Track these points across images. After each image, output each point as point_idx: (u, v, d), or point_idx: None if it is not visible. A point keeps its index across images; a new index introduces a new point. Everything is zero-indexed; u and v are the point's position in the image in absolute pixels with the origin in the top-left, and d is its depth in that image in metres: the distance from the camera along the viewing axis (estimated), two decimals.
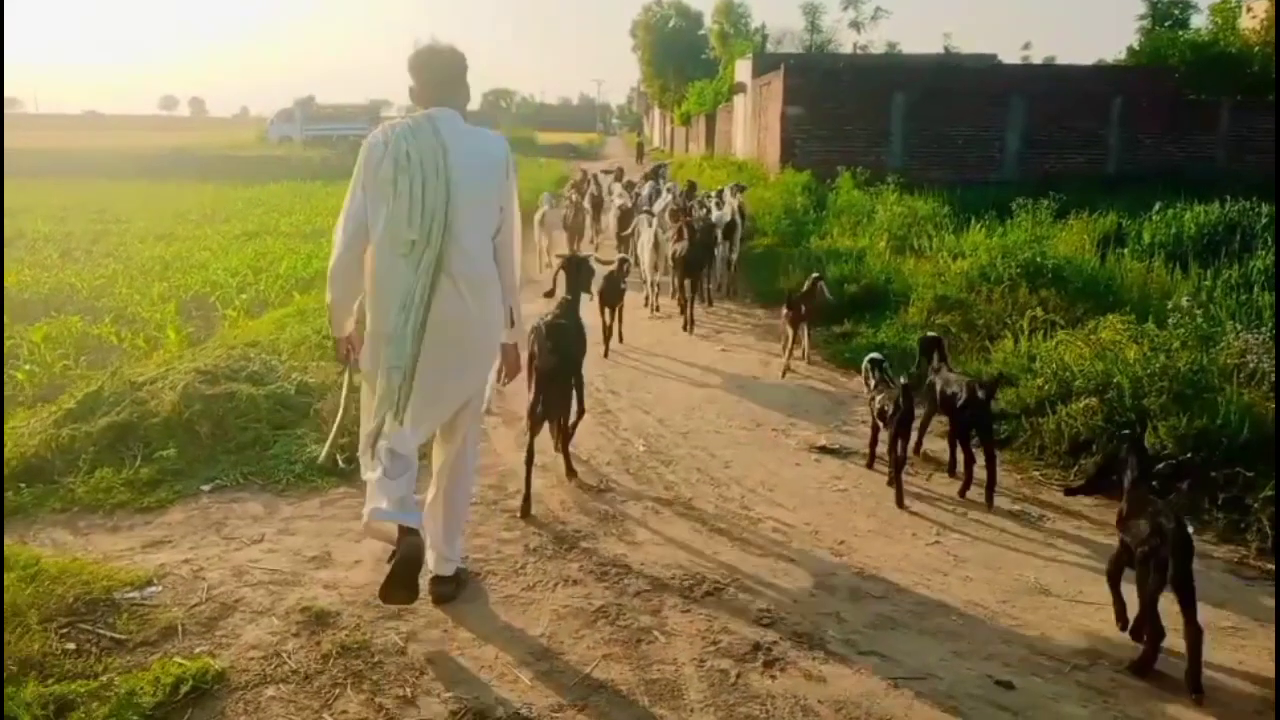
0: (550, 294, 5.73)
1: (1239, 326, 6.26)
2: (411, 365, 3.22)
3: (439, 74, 3.36)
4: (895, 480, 4.87)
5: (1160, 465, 4.88)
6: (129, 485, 4.73)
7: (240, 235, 16.20)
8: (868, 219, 13.36)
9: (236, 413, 5.36)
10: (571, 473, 5.04)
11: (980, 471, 4.88)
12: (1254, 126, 20.82)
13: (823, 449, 5.61)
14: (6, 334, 7.79)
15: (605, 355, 7.72)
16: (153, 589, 3.69)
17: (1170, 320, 6.47)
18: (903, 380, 4.98)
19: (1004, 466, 5.37)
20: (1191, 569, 3.18)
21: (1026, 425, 5.62)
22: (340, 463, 4.93)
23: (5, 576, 3.52)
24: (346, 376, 3.77)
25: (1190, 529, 3.24)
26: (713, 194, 12.86)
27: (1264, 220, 11.17)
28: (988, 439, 4.92)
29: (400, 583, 3.22)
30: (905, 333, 7.74)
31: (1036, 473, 5.27)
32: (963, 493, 4.93)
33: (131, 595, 3.62)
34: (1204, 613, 3.58)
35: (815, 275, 7.73)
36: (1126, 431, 3.94)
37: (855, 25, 51.10)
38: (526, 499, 4.55)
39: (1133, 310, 7.06)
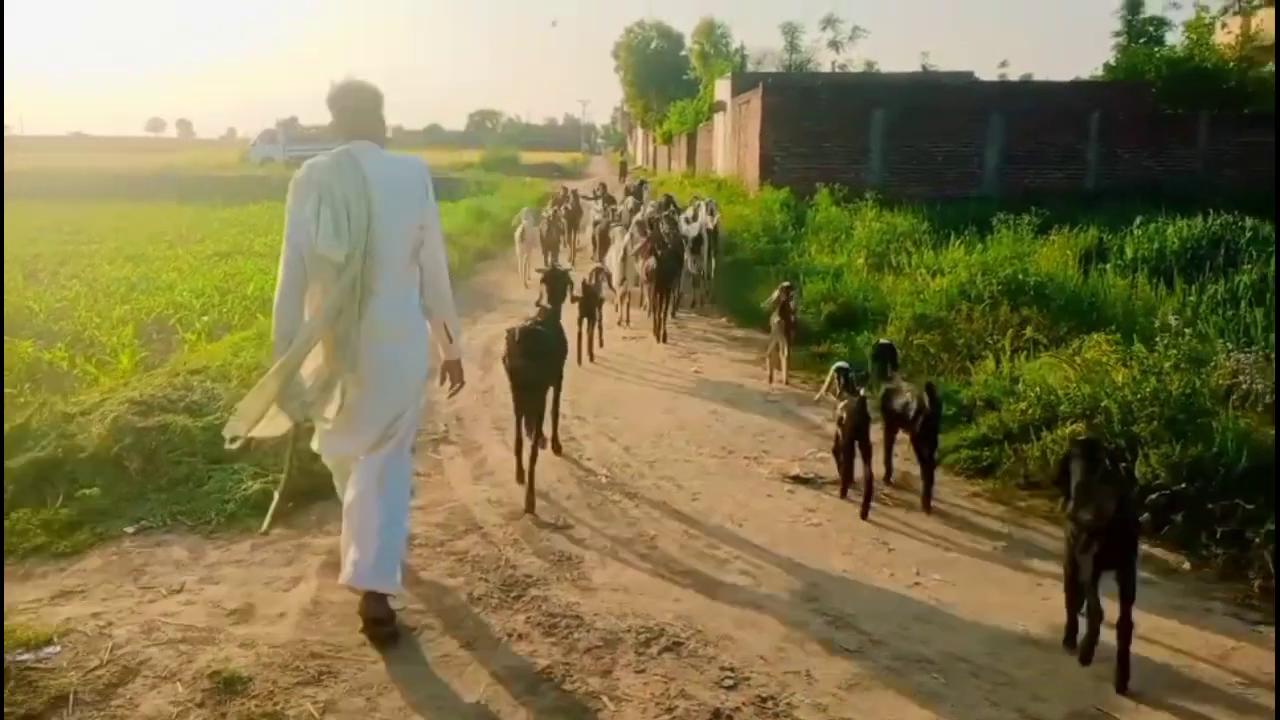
0: (540, 304, 5.82)
1: (1229, 346, 6.01)
2: (344, 377, 3.44)
3: (356, 109, 3.55)
4: (846, 486, 4.99)
5: (1154, 496, 4.67)
6: (46, 527, 4.35)
7: (212, 255, 15.89)
8: (846, 236, 13.14)
9: (169, 446, 5.00)
10: (531, 496, 4.80)
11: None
12: (1231, 140, 20.78)
13: (796, 479, 5.30)
14: None
15: (579, 363, 7.63)
16: (51, 649, 3.32)
17: (1158, 340, 6.21)
18: (862, 391, 5.05)
19: (986, 496, 5.10)
20: (1134, 554, 3.23)
21: (1010, 452, 5.33)
22: (276, 503, 4.59)
23: None
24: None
25: (1135, 515, 3.33)
26: (687, 210, 12.88)
27: (1248, 235, 10.98)
28: (931, 446, 4.90)
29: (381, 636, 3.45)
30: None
31: (1021, 503, 4.97)
32: (925, 505, 4.90)
33: (25, 658, 3.25)
34: (1209, 667, 3.31)
35: (785, 284, 7.67)
36: (1082, 437, 3.98)
37: (834, 45, 51.23)
38: (520, 471, 4.97)
39: (1118, 328, 6.81)
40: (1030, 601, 3.87)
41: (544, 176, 45.08)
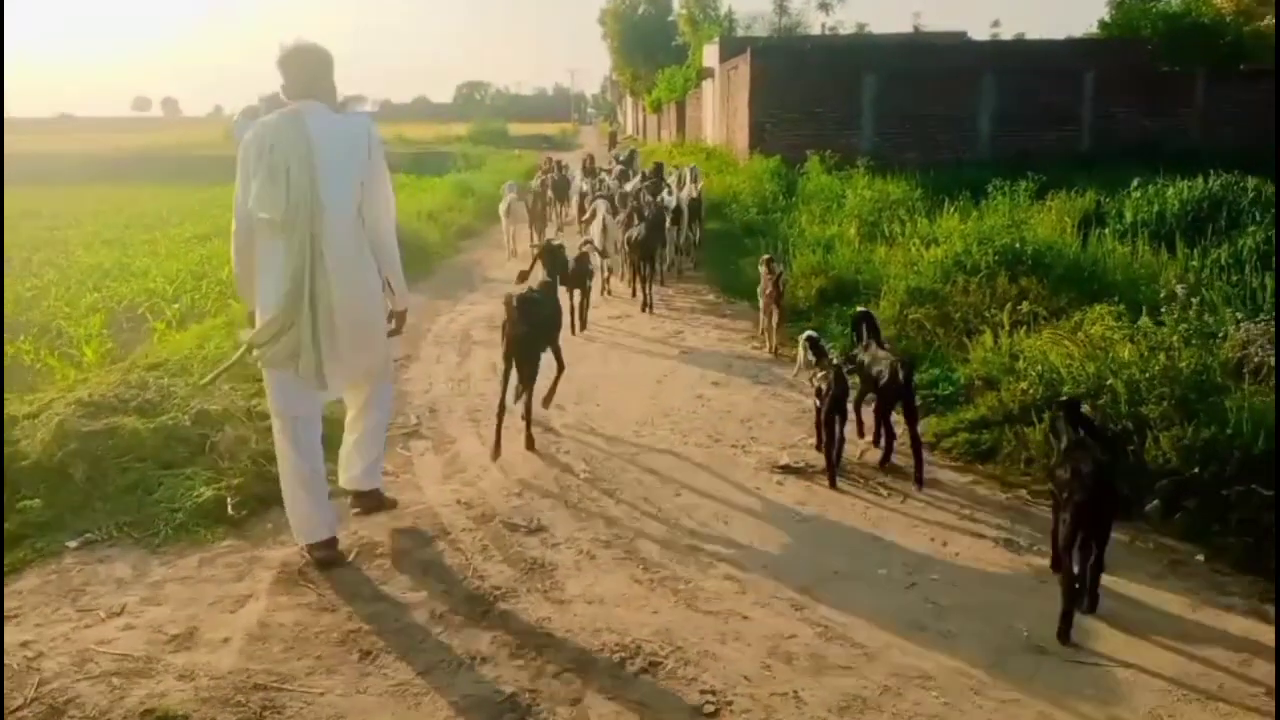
0: (524, 276, 5.89)
1: (1239, 315, 5.71)
2: (311, 332, 3.65)
3: (305, 71, 3.73)
4: (828, 460, 4.85)
5: (1164, 481, 4.40)
6: None
7: (191, 238, 15.52)
8: (838, 205, 12.77)
9: (117, 451, 4.69)
10: (531, 441, 5.30)
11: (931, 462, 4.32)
12: (1229, 98, 20.36)
13: (785, 468, 5.01)
14: None
15: (573, 333, 7.72)
16: None
17: (1164, 311, 5.92)
18: (834, 360, 5.02)
19: (988, 482, 4.81)
20: (1109, 521, 3.41)
21: (1010, 434, 5.04)
22: (230, 509, 4.31)
23: None
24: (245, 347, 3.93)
25: (1111, 478, 3.40)
26: (670, 177, 13.06)
27: (1250, 195, 10.64)
28: (912, 417, 4.87)
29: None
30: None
31: (1024, 490, 4.69)
32: (882, 464, 4.96)
33: None
34: (1228, 677, 3.05)
35: (766, 257, 7.61)
36: (1064, 399, 3.95)
37: (824, 7, 50.60)
38: (497, 445, 5.10)
39: (1120, 298, 6.51)
40: (1036, 602, 3.59)
41: (533, 148, 44.42)
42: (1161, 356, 4.86)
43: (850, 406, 5.08)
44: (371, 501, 4.36)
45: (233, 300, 9.58)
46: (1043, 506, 4.45)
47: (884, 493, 4.69)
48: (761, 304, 7.51)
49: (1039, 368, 5.30)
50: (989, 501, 4.58)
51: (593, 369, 6.98)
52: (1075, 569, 3.39)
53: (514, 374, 5.24)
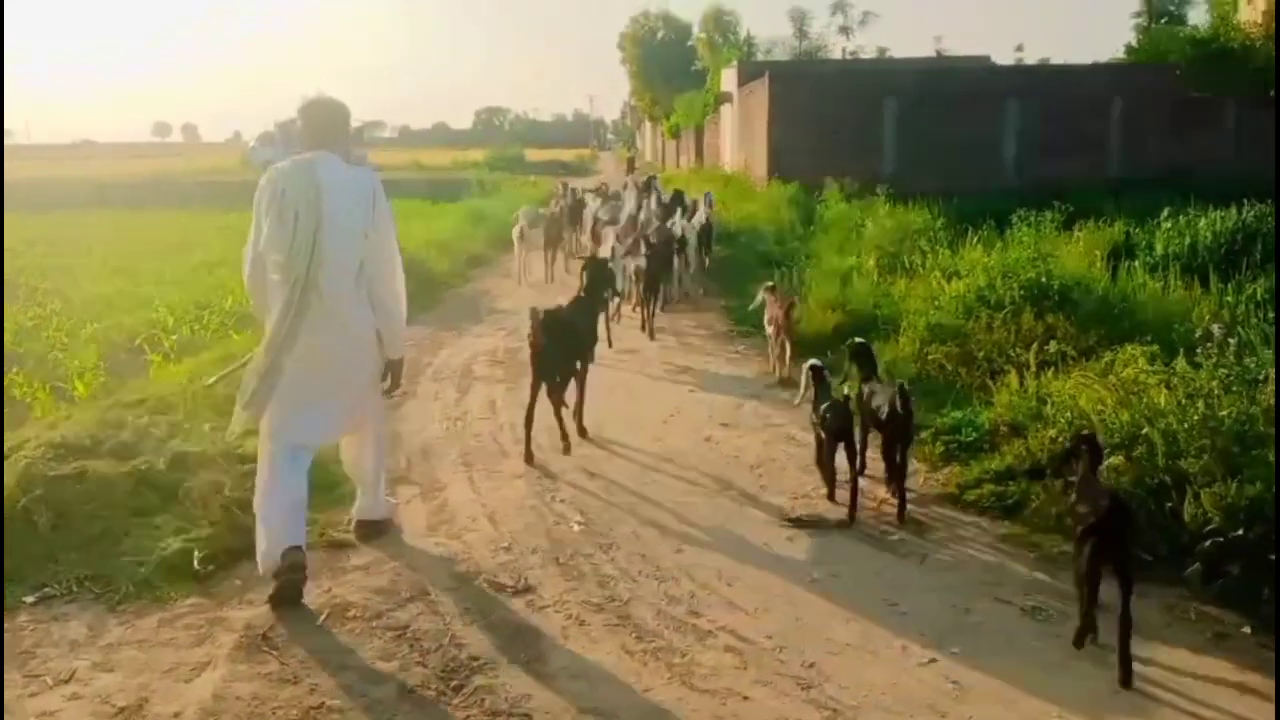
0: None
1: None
2: (281, 357, 3.76)
3: (321, 122, 4.03)
4: (831, 488, 4.87)
5: (1206, 543, 4.04)
6: None
7: (200, 265, 15.38)
8: (857, 234, 12.48)
9: (85, 497, 4.43)
10: (580, 434, 5.88)
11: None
12: (1261, 124, 19.89)
13: (796, 521, 4.68)
14: None
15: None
16: None
17: (1200, 353, 5.56)
18: (846, 392, 4.99)
19: (1012, 541, 4.46)
20: (1130, 549, 3.35)
21: (1040, 487, 4.70)
22: (196, 564, 4.04)
23: None
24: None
25: (1131, 512, 3.42)
26: (686, 200, 13.35)
27: None
28: (905, 449, 4.80)
29: (284, 599, 3.74)
30: (896, 366, 6.81)
31: (1055, 549, 4.33)
32: (900, 518, 4.66)
33: None
34: None
35: (769, 285, 7.63)
36: (1085, 432, 3.96)
37: (844, 30, 50.48)
38: (528, 451, 5.47)
39: (1153, 338, 6.15)
40: (1067, 683, 3.25)
41: (550, 175, 44.42)
42: (1200, 404, 4.50)
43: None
44: (370, 530, 4.44)
45: (233, 332, 9.41)
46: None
47: (902, 552, 4.36)
48: (770, 332, 7.37)
49: (1069, 414, 4.96)
50: (1018, 561, 4.23)
51: (596, 407, 6.67)
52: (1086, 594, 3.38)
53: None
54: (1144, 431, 4.54)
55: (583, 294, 6.19)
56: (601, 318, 7.42)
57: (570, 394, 5.82)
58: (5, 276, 13.84)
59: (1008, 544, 4.42)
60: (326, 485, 4.97)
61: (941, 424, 5.74)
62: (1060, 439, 4.85)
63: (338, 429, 4.18)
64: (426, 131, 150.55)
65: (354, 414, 4.14)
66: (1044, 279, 7.27)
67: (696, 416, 6.48)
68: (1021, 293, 7.14)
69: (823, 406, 4.89)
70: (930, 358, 6.74)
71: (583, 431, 5.92)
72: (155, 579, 3.95)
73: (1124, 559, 3.30)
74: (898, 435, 4.74)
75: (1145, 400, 4.85)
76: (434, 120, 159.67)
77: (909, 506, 4.71)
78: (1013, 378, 5.85)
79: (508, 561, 4.22)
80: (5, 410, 6.80)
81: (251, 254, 3.90)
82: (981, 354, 6.58)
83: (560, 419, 5.63)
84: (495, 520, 4.68)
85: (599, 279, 6.43)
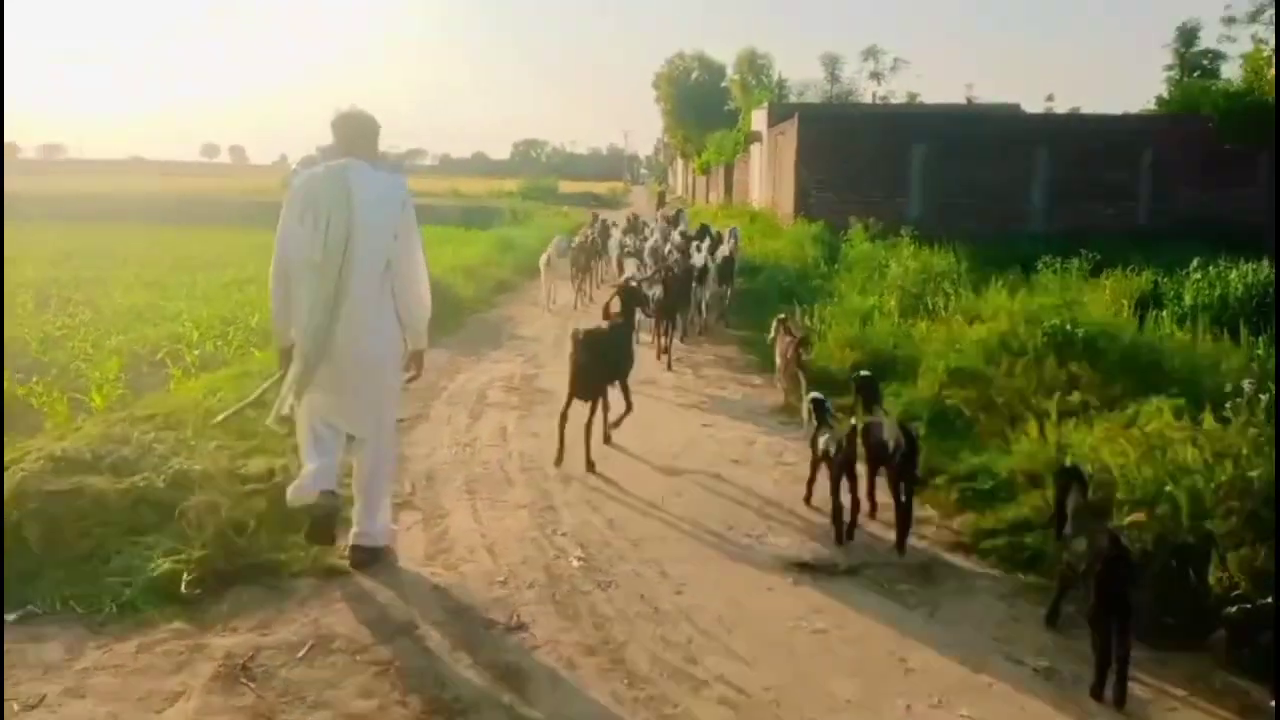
0: (607, 313, 6.60)
1: None
2: (316, 356, 4.01)
3: (352, 133, 4.21)
4: (836, 522, 4.79)
5: (1232, 610, 3.85)
6: None
7: (231, 282, 15.59)
8: (880, 274, 12.34)
9: (78, 514, 4.35)
10: (604, 439, 6.22)
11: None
12: None
13: (803, 566, 4.53)
14: None
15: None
16: None
17: (1228, 408, 5.37)
18: (853, 422, 4.97)
19: (1030, 595, 4.27)
20: (1127, 590, 3.36)
21: (1055, 543, 4.51)
22: (183, 586, 3.94)
23: None
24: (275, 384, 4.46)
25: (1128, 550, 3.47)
26: (712, 232, 13.69)
27: None
28: (909, 483, 4.72)
29: (316, 536, 4.10)
30: (913, 407, 6.65)
31: (1071, 606, 4.15)
32: (899, 548, 4.68)
33: None
34: None
35: (780, 317, 7.78)
36: (1070, 465, 4.13)
37: (875, 76, 50.64)
38: (560, 453, 5.88)
39: (1180, 391, 5.97)
40: None
41: (581, 205, 44.68)
42: (1229, 464, 4.32)
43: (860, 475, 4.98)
44: (364, 557, 4.32)
45: (255, 349, 9.42)
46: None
47: (911, 602, 4.19)
48: (780, 365, 7.49)
49: (1090, 467, 4.78)
50: (1030, 619, 4.05)
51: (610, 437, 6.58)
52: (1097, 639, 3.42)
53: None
54: (1168, 489, 4.36)
55: (619, 317, 6.55)
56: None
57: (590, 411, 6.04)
58: (39, 287, 14.06)
59: (1023, 599, 4.24)
60: None
61: (958, 470, 5.58)
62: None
63: (360, 421, 4.27)
64: (466, 161, 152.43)
65: (374, 412, 4.27)
66: (1069, 326, 7.10)
67: (708, 452, 6.35)
68: (1045, 339, 6.97)
69: (823, 439, 4.94)
70: (949, 401, 6.57)
71: (607, 438, 6.28)
72: (140, 601, 3.86)
73: (1122, 600, 3.36)
74: (901, 470, 4.70)
75: (1170, 456, 4.68)
76: (473, 150, 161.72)
77: (920, 548, 4.55)
78: (1033, 426, 5.69)
79: (503, 596, 4.09)
80: (21, 420, 6.79)
81: (279, 254, 4.09)
82: (1002, 400, 6.40)
83: (588, 435, 5.87)
84: (494, 552, 4.57)
85: (634, 303, 6.83)
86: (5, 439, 5.46)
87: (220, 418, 5.29)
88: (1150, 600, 4.01)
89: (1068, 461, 4.36)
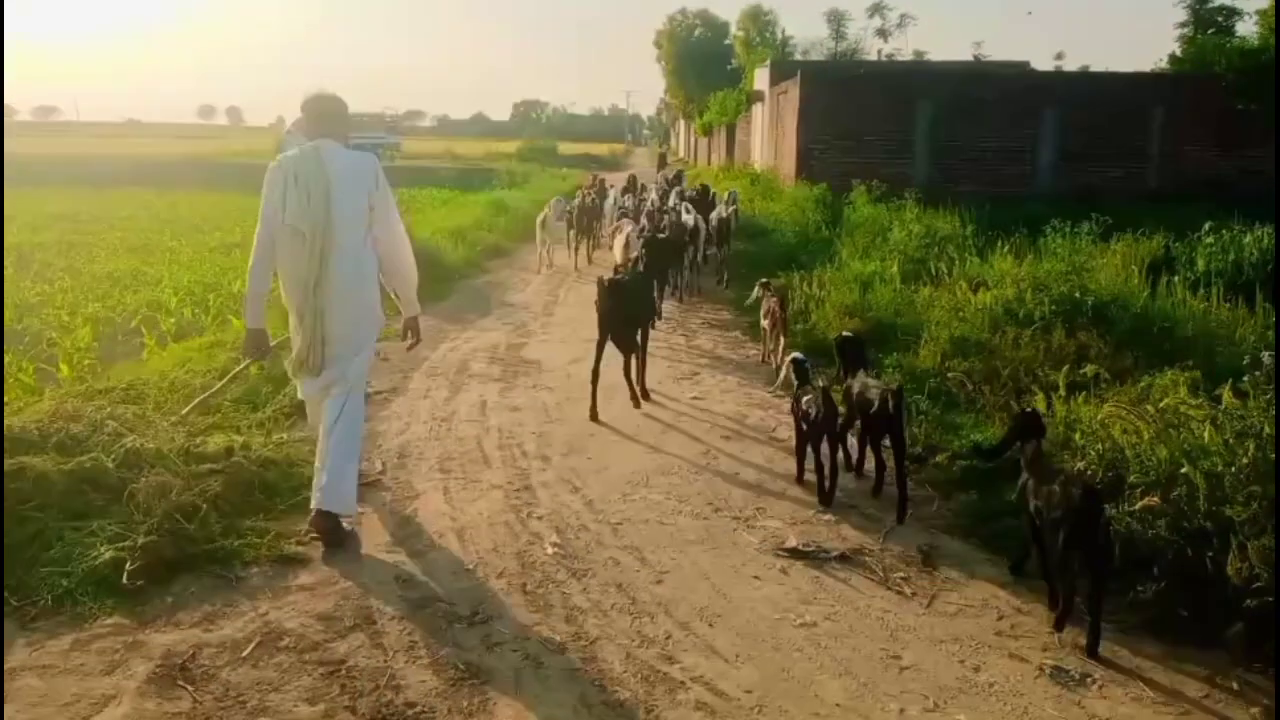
0: (620, 268, 7.03)
1: None
2: (315, 328, 4.21)
3: (323, 114, 4.45)
4: (819, 480, 4.83)
5: (1251, 602, 3.57)
6: None
7: (218, 247, 15.31)
8: (883, 238, 11.97)
9: (19, 497, 4.08)
10: (643, 396, 6.50)
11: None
12: None
13: (793, 551, 4.26)
14: None
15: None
16: None
17: (1246, 381, 5.06)
18: (821, 384, 4.93)
19: (1033, 585, 3.99)
20: (1106, 536, 3.47)
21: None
22: (126, 576, 3.67)
23: None
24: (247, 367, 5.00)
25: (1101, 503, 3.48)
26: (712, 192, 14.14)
27: None
28: (900, 448, 4.73)
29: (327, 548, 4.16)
30: (916, 380, 6.34)
31: (1079, 599, 3.87)
32: (875, 492, 4.87)
33: None
34: None
35: (763, 281, 7.78)
36: (1029, 410, 4.26)
37: (881, 33, 49.68)
38: (594, 408, 6.12)
39: (1195, 363, 5.65)
40: None
41: (581, 167, 44.10)
42: (1250, 445, 4.02)
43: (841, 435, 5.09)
44: (327, 525, 4.16)
45: (232, 317, 9.12)
46: (1105, 625, 3.66)
47: (908, 591, 3.92)
48: (766, 324, 7.52)
49: (1100, 446, 4.50)
50: (1036, 611, 3.77)
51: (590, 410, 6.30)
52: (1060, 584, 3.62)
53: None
54: (1184, 470, 4.07)
55: (640, 269, 6.90)
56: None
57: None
58: (22, 252, 13.75)
59: (1027, 589, 3.96)
60: (287, 490, 4.63)
61: (961, 445, 5.30)
62: (1091, 472, 4.40)
63: (333, 370, 4.33)
64: (465, 122, 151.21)
65: (345, 364, 4.34)
66: (1078, 294, 6.78)
67: (697, 426, 6.06)
68: (1053, 308, 6.66)
69: (804, 399, 4.90)
70: (951, 373, 6.26)
71: (646, 393, 6.53)
72: (79, 592, 3.60)
73: (1098, 548, 3.42)
74: (882, 432, 4.77)
75: (1186, 435, 4.38)
76: (473, 111, 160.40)
77: (917, 530, 4.27)
78: (1040, 400, 5.39)
79: (469, 587, 3.82)
80: None
81: (261, 234, 4.22)
82: (1007, 371, 6.11)
83: (630, 378, 6.30)
84: (464, 537, 4.30)
85: (658, 256, 7.27)
86: None
87: (185, 411, 5.40)
88: (1164, 592, 3.76)
89: (1027, 407, 4.50)
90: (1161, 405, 4.68)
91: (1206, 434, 4.24)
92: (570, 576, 3.95)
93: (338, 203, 4.18)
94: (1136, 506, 4.00)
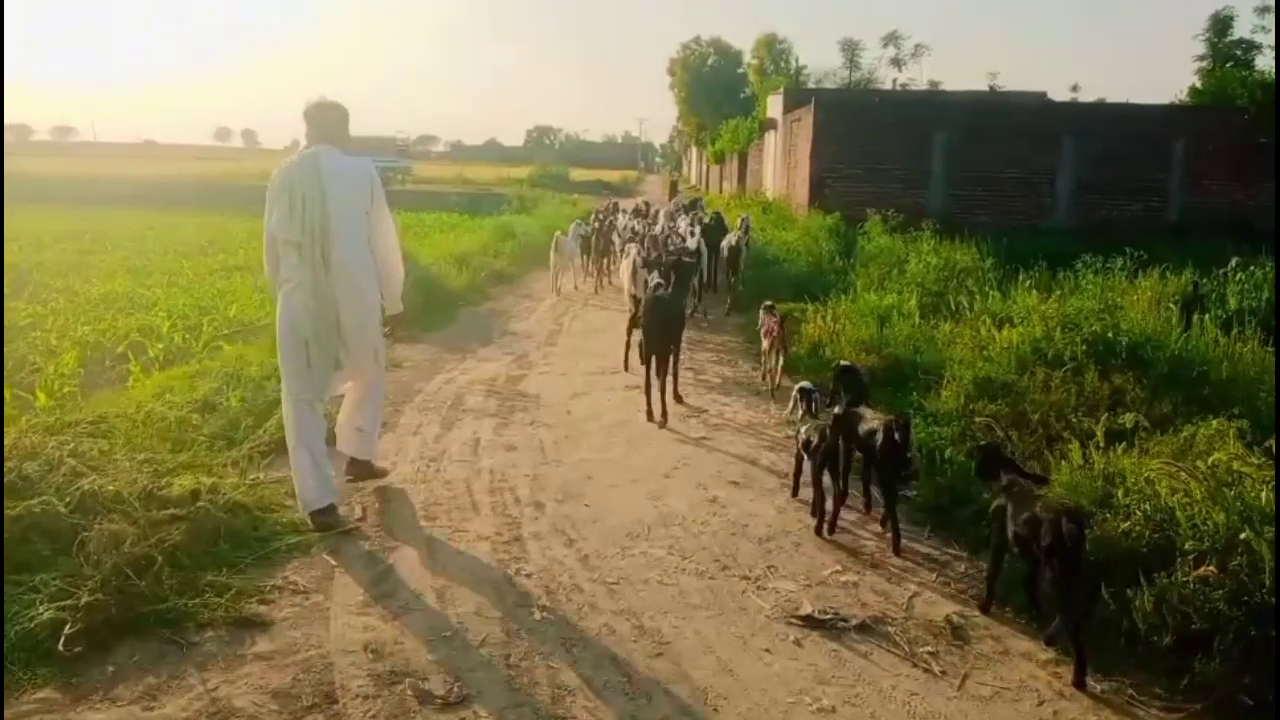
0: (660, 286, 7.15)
1: None
2: (312, 331, 4.45)
3: (323, 122, 4.58)
4: (818, 512, 4.73)
5: None
6: None
7: (219, 269, 15.09)
8: (899, 270, 11.60)
9: None
10: (676, 399, 7.02)
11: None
12: None
13: (808, 619, 3.85)
14: None
15: (625, 368, 8.21)
16: None
17: None
18: (836, 411, 4.91)
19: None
20: (1082, 562, 3.41)
21: (1108, 597, 3.81)
22: (62, 642, 3.29)
23: None
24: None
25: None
26: (726, 221, 13.73)
27: None
28: (891, 483, 4.58)
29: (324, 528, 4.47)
30: (935, 425, 5.94)
31: (1126, 678, 3.47)
32: (883, 523, 4.70)
33: None
34: None
35: (768, 304, 7.92)
36: (992, 441, 4.53)
37: (896, 63, 49.57)
38: (650, 411, 6.60)
39: (1241, 410, 5.25)
40: None
41: (592, 194, 43.94)
42: None
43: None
44: (363, 469, 5.08)
45: (224, 343, 8.79)
46: (1151, 707, 3.25)
47: (936, 669, 3.51)
48: (765, 345, 7.69)
49: (1146, 506, 4.08)
50: (1078, 699, 3.36)
51: (590, 453, 5.91)
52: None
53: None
54: (1243, 536, 3.66)
55: (670, 288, 7.14)
56: (631, 336, 8.13)
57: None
58: (19, 272, 13.49)
59: (1067, 666, 3.54)
60: (255, 541, 4.25)
61: (986, 500, 4.87)
62: (1136, 535, 3.99)
63: (360, 359, 4.74)
64: (478, 147, 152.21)
65: (369, 349, 4.74)
66: (1111, 334, 6.38)
67: (703, 470, 5.66)
68: (1084, 348, 6.25)
69: (803, 428, 4.93)
70: (977, 418, 5.85)
71: (679, 397, 7.08)
72: (11, 658, 3.21)
73: (1080, 578, 3.46)
74: (890, 465, 4.57)
75: (1240, 493, 3.97)
76: (486, 137, 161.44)
77: (945, 596, 3.86)
78: (1075, 450, 4.98)
79: (446, 658, 3.42)
80: None
81: (267, 240, 4.53)
82: (1037, 416, 5.69)
83: (663, 394, 6.61)
84: (444, 597, 3.90)
85: (683, 275, 7.50)
86: None
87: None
88: (1225, 674, 3.34)
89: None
90: (1212, 461, 4.27)
91: (1264, 495, 3.83)
92: (560, 647, 3.55)
93: (335, 208, 4.40)
94: (1191, 576, 3.60)
